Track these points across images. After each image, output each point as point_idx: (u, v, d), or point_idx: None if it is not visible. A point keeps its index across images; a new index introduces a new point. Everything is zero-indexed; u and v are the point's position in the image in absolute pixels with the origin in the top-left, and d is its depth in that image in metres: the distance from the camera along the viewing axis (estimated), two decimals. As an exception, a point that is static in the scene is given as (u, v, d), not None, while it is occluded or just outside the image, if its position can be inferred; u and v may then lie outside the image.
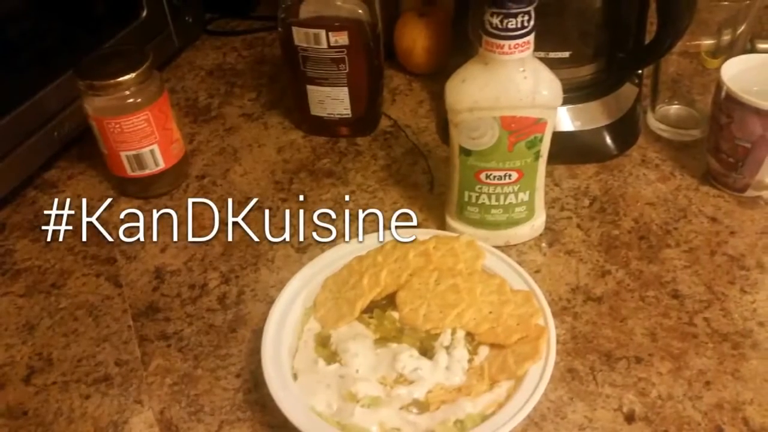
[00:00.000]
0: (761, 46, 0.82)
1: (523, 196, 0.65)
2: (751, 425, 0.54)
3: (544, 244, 0.70)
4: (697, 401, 0.55)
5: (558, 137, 0.64)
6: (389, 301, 0.59)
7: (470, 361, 0.55)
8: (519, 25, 0.55)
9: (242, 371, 0.60)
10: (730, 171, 0.71)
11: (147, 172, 0.76)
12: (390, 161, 0.81)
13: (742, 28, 0.74)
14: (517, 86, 0.58)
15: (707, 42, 0.76)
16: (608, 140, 0.79)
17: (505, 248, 0.67)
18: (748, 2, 0.72)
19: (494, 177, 0.64)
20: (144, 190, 0.77)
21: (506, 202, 0.65)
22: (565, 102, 0.64)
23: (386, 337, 0.57)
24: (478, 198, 0.66)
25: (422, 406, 0.53)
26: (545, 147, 0.63)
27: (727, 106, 0.68)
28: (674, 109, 0.82)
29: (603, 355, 0.59)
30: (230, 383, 0.59)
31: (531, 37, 0.57)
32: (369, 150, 0.83)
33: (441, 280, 0.59)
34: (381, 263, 0.61)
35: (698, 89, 0.79)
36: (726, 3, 0.72)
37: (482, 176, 0.64)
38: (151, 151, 0.74)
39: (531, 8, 0.55)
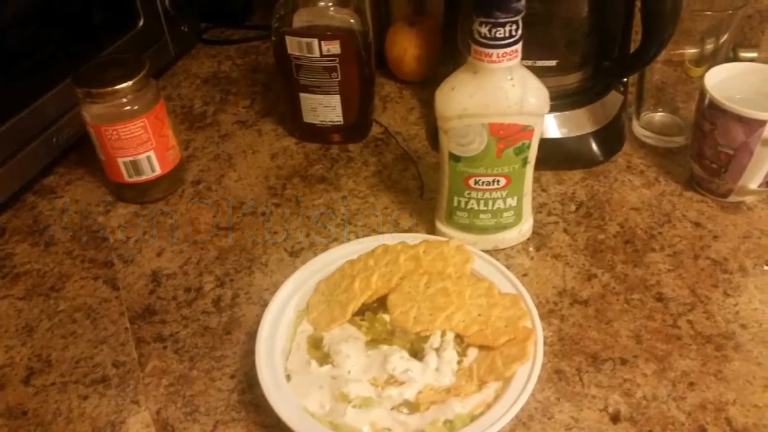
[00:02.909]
0: (744, 54, 0.84)
1: (511, 202, 0.66)
2: (733, 425, 0.54)
3: (531, 249, 0.70)
4: (681, 402, 0.56)
5: (545, 144, 0.65)
6: (380, 303, 0.60)
7: (459, 362, 0.55)
8: (507, 34, 0.56)
9: (237, 372, 0.60)
10: (713, 177, 0.72)
11: (144, 177, 0.76)
12: (381, 167, 0.82)
13: (725, 37, 0.75)
14: (505, 94, 0.58)
15: (691, 51, 0.76)
16: (594, 147, 0.79)
17: (493, 252, 0.68)
18: (730, 12, 0.73)
19: (483, 183, 0.64)
20: (141, 195, 0.78)
21: (494, 207, 0.66)
22: (552, 109, 0.64)
23: (377, 339, 0.57)
24: (467, 203, 0.66)
25: (412, 407, 0.53)
26: (533, 153, 0.63)
27: (711, 114, 0.69)
28: (659, 116, 0.83)
29: (589, 356, 0.60)
30: (225, 384, 0.59)
31: (519, 46, 0.57)
32: (360, 156, 0.84)
33: (431, 284, 0.59)
34: (372, 267, 0.61)
35: (682, 97, 0.80)
36: (709, 13, 0.73)
37: (471, 182, 0.64)
38: (148, 158, 0.75)
39: (519, 18, 0.55)
